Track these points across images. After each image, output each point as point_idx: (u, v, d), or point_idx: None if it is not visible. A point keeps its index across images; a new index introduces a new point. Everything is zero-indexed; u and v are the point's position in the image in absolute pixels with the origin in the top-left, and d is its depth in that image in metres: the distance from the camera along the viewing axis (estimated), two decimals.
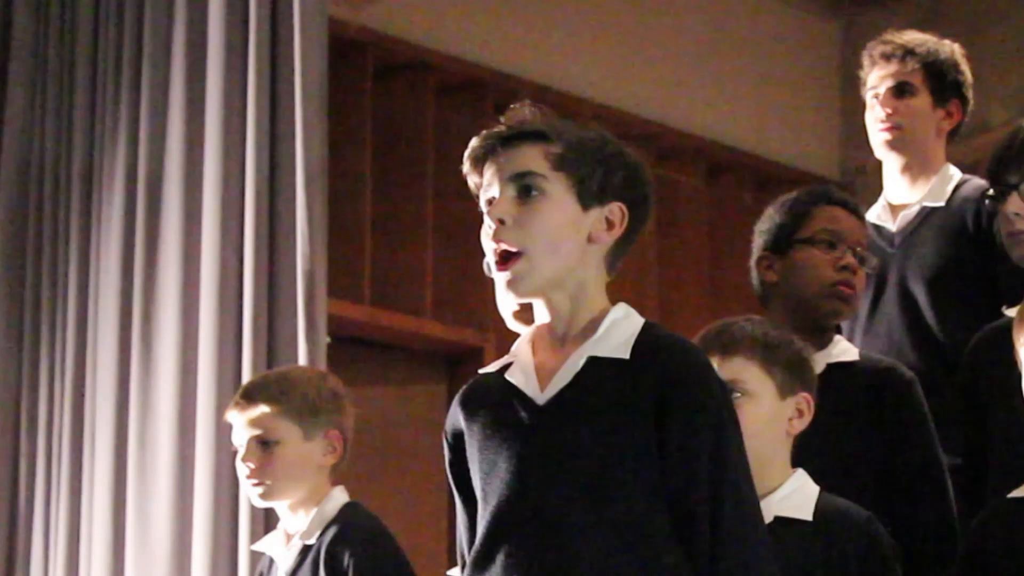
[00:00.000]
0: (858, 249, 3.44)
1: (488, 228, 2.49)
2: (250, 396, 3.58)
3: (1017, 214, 3.13)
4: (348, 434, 3.60)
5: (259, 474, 3.52)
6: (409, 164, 6.15)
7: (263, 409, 3.54)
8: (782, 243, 3.47)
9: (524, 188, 2.48)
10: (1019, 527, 2.72)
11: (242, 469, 3.56)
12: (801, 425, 2.98)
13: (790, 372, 2.97)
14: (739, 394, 2.90)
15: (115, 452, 4.68)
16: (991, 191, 3.20)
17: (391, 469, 5.95)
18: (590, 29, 6.71)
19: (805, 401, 2.98)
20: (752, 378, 2.93)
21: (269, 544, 3.63)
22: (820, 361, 3.21)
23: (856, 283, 3.44)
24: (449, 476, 2.58)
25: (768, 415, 2.93)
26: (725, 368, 2.88)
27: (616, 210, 2.51)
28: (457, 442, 2.55)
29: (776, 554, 2.71)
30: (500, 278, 2.48)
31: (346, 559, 3.41)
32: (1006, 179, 3.16)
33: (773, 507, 2.87)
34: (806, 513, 2.89)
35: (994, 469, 3.12)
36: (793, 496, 2.91)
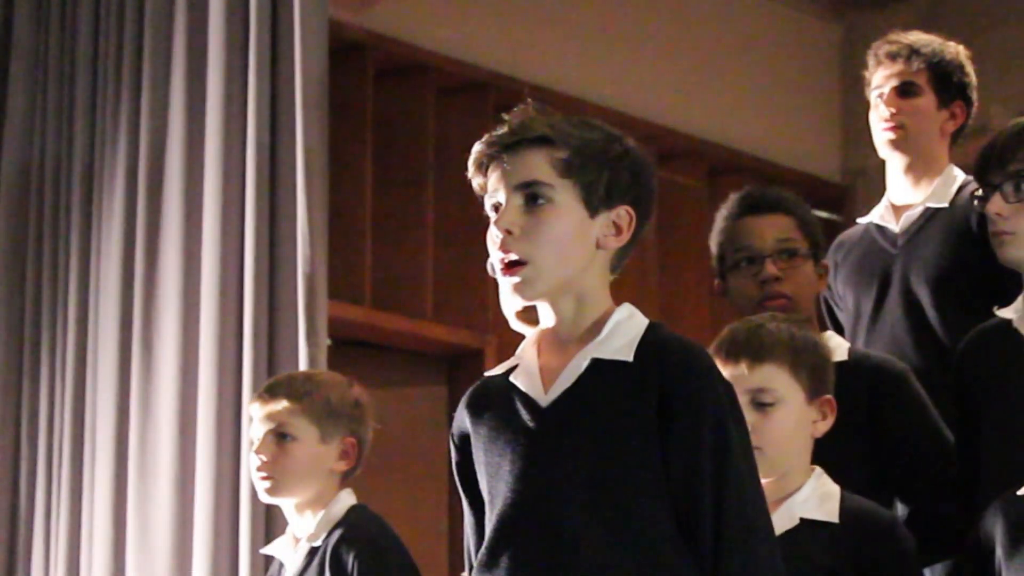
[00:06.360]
0: (780, 250, 3.48)
1: (495, 236, 2.48)
2: (274, 391, 3.62)
3: (998, 214, 3.14)
4: (364, 445, 3.64)
5: (270, 468, 3.54)
6: (409, 166, 6.15)
7: (284, 404, 3.57)
8: (721, 273, 3.57)
9: (531, 197, 2.47)
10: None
11: (253, 461, 3.57)
12: (825, 427, 3.00)
13: (816, 375, 2.99)
14: (771, 400, 2.92)
15: (116, 453, 4.68)
16: (979, 192, 3.21)
17: (391, 471, 5.94)
18: (590, 31, 6.71)
19: (829, 403, 3.01)
20: (783, 384, 2.94)
21: (278, 548, 3.65)
22: None
23: (785, 286, 3.46)
24: (456, 478, 2.58)
25: (797, 420, 2.95)
26: (756, 374, 2.92)
27: (623, 214, 2.50)
28: (464, 444, 2.55)
29: (803, 556, 2.73)
30: (506, 282, 2.48)
31: (350, 561, 3.42)
32: (989, 180, 3.17)
33: (797, 509, 2.90)
34: (832, 515, 2.90)
35: (988, 468, 3.13)
36: (816, 497, 2.93)
